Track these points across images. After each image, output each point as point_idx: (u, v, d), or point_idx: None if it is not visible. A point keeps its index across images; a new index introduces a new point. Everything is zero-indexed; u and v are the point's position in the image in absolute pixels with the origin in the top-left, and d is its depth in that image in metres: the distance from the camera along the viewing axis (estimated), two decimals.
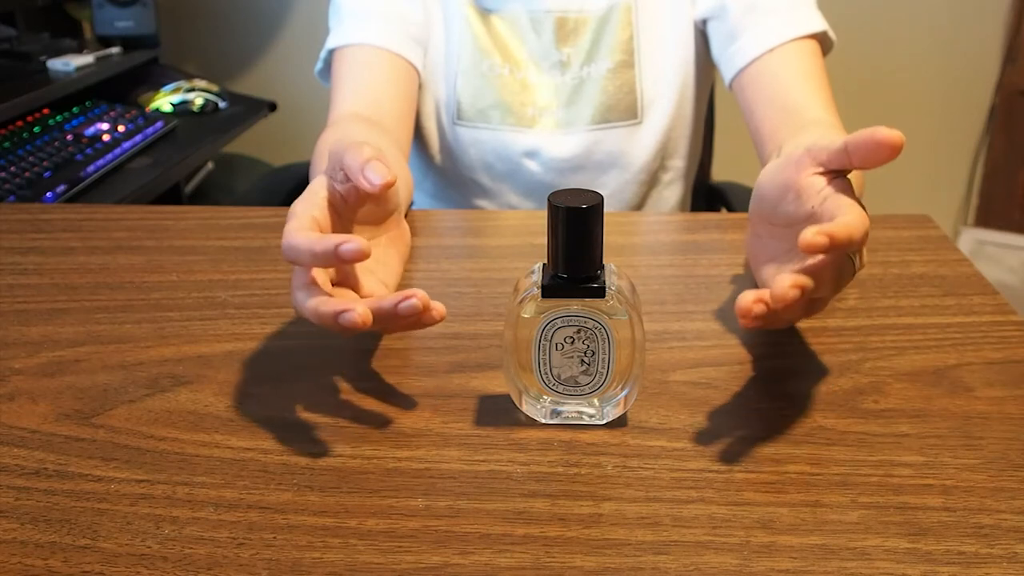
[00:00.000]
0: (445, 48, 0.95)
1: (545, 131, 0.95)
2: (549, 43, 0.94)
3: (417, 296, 0.45)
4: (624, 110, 0.95)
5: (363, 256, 0.44)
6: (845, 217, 0.45)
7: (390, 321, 0.47)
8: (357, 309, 0.44)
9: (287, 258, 0.47)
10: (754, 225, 0.57)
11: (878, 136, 0.46)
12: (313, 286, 0.48)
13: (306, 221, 0.49)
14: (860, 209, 0.47)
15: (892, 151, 0.46)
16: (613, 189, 0.98)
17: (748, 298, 0.43)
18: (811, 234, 0.42)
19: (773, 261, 0.55)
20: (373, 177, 0.48)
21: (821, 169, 0.51)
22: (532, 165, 0.96)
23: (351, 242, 0.44)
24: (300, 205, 0.50)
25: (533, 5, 0.93)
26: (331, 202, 0.52)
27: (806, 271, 0.45)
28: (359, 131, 0.80)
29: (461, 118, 0.96)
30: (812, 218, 0.50)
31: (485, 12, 0.94)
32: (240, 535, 0.43)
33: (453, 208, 1.02)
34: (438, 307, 0.47)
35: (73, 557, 0.41)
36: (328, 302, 0.46)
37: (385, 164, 0.49)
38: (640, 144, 0.97)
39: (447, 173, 1.01)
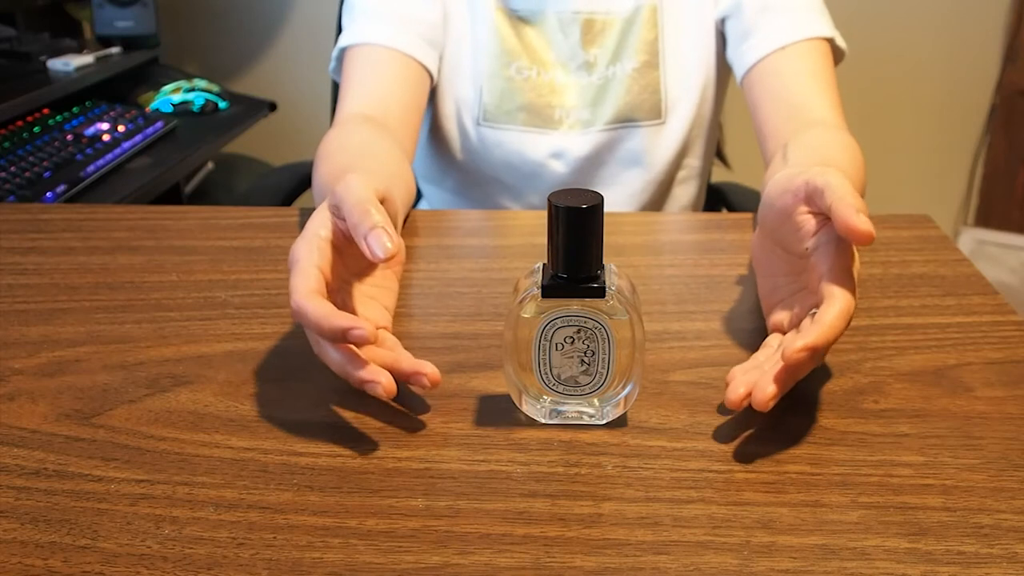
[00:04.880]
0: (472, 50, 0.95)
1: (571, 132, 0.96)
2: (576, 44, 0.95)
3: (428, 377, 0.50)
4: (648, 110, 0.95)
5: (370, 343, 0.47)
6: (827, 314, 0.47)
7: (399, 378, 0.51)
8: (383, 383, 0.48)
9: (296, 319, 0.49)
10: (763, 232, 0.58)
11: (850, 223, 0.48)
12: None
13: (313, 280, 0.49)
14: (846, 294, 0.48)
15: (861, 240, 0.48)
16: (635, 188, 0.99)
17: (739, 393, 0.48)
18: (793, 352, 0.46)
19: (773, 277, 0.57)
20: (376, 249, 0.49)
21: (815, 208, 0.52)
22: (557, 165, 0.96)
23: (360, 329, 0.46)
24: (303, 250, 0.51)
25: (561, 7, 0.94)
26: (333, 243, 0.52)
27: (783, 375, 0.48)
28: (362, 137, 0.80)
29: (487, 119, 0.96)
30: (807, 260, 0.52)
31: (513, 14, 0.94)
32: (240, 535, 0.43)
33: (475, 206, 1.03)
34: (435, 378, 0.51)
35: (73, 557, 0.41)
36: (357, 365, 0.49)
37: (389, 232, 0.49)
38: (663, 144, 0.97)
39: (470, 172, 1.01)
